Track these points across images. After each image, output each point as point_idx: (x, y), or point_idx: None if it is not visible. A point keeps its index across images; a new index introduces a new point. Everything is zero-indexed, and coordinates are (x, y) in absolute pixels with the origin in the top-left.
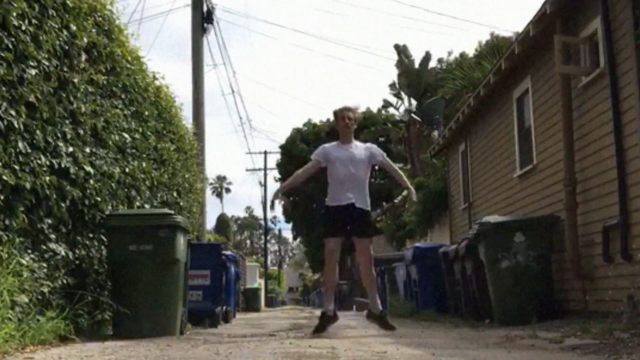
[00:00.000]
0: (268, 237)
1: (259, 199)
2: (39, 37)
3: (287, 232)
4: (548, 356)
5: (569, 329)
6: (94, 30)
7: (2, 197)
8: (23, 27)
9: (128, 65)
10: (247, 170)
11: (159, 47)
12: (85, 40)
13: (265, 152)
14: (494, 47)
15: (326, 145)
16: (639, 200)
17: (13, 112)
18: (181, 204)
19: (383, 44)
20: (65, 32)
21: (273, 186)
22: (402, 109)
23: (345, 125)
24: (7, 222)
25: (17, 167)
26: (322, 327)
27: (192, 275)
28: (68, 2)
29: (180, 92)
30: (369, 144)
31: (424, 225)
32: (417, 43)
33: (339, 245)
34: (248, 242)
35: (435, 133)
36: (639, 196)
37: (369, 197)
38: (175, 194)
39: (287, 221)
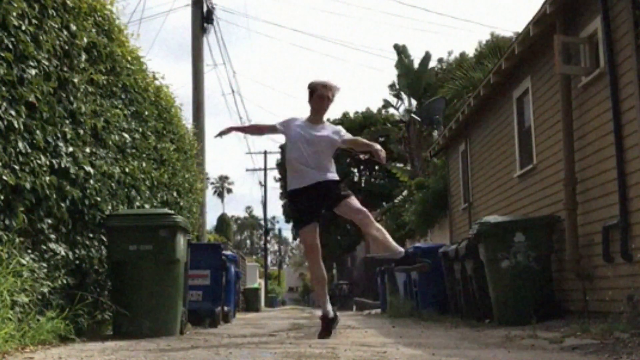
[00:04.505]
0: (268, 237)
1: (259, 199)
2: (39, 37)
3: (287, 232)
4: (548, 356)
5: (569, 329)
6: (94, 30)
7: (2, 197)
8: (23, 27)
9: (128, 65)
10: (247, 170)
11: (159, 47)
12: (85, 40)
13: (265, 152)
14: (494, 47)
15: (295, 117)
16: (639, 200)
17: (13, 112)
18: (181, 204)
19: (383, 44)
20: (65, 32)
21: (273, 186)
22: (402, 109)
23: (322, 106)
24: (7, 222)
25: (17, 167)
26: (327, 330)
27: (192, 275)
28: (68, 2)
29: (180, 92)
30: (338, 127)
31: (424, 225)
32: (417, 43)
33: (316, 233)
34: (248, 242)
35: (435, 133)
36: (639, 196)
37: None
38: (175, 194)
39: (287, 221)
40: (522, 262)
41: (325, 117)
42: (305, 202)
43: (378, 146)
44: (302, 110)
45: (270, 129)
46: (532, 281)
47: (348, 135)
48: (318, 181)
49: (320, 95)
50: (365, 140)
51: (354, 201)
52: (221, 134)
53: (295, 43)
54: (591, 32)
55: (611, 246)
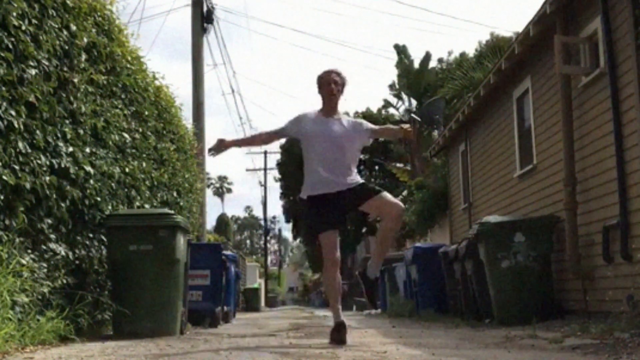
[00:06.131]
0: (268, 237)
1: (259, 199)
2: (39, 37)
3: (287, 232)
4: (548, 356)
5: (569, 329)
6: (94, 30)
7: (2, 197)
8: (23, 27)
9: (128, 65)
10: (247, 170)
11: (159, 47)
12: (85, 40)
13: (265, 152)
14: (494, 47)
15: (305, 113)
16: (639, 200)
17: (13, 112)
18: (181, 204)
19: (383, 44)
20: (65, 32)
21: (273, 186)
22: (402, 109)
23: (331, 91)
24: (7, 222)
25: (17, 167)
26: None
27: (192, 275)
28: (68, 2)
29: (180, 92)
30: (359, 119)
31: (424, 225)
32: (417, 43)
33: (337, 241)
34: (248, 242)
35: (435, 133)
36: (639, 196)
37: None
38: (175, 194)
39: (287, 221)
40: (522, 262)
41: (340, 108)
42: (327, 209)
43: (404, 125)
44: (302, 110)
45: (278, 134)
46: (532, 281)
47: (372, 126)
48: (341, 190)
49: (327, 81)
50: (391, 126)
51: (386, 197)
52: (215, 149)
53: (295, 43)
54: (591, 32)
55: (611, 246)
